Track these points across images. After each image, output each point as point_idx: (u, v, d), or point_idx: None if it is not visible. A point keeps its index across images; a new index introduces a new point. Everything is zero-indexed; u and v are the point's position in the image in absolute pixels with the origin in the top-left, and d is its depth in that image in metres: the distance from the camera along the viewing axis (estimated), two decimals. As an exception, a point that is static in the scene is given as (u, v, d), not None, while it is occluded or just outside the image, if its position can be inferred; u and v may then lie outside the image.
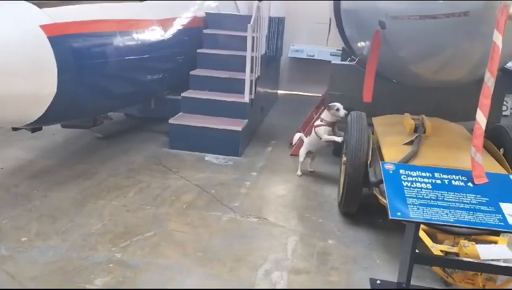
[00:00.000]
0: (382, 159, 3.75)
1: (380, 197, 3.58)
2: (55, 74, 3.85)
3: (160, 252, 3.41)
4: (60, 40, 3.96)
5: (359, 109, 4.39)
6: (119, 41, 4.85)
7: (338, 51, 7.71)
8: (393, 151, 3.75)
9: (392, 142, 3.98)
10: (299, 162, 5.13)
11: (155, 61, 5.58)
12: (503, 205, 2.58)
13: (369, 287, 3.04)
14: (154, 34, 5.58)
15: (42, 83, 3.80)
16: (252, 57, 5.80)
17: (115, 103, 5.34)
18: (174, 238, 3.61)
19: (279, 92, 9.41)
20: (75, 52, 4.17)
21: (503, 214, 2.53)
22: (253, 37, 5.76)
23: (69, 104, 4.18)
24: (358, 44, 5.29)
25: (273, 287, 3.06)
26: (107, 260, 3.24)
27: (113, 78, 4.94)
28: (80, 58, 4.25)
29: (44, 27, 3.83)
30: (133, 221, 3.84)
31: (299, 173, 5.12)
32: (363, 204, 3.95)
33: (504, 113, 5.25)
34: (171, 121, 5.70)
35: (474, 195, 2.65)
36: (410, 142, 3.83)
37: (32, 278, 2.98)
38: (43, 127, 4.74)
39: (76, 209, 3.98)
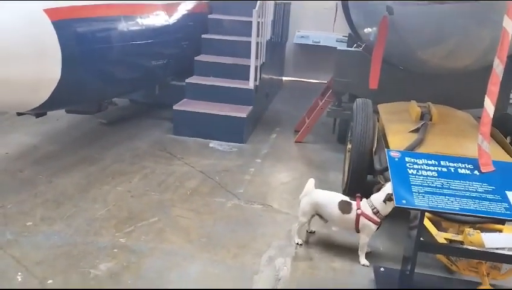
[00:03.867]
0: (387, 146, 3.72)
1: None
2: (59, 59, 3.84)
3: (165, 238, 3.42)
4: (64, 24, 3.93)
5: (365, 96, 4.35)
6: (123, 26, 4.82)
7: (344, 37, 7.64)
8: (398, 139, 3.72)
9: (398, 129, 3.95)
10: (297, 227, 3.49)
11: (159, 46, 5.55)
12: (509, 193, 2.57)
13: (373, 274, 3.05)
14: (159, 19, 5.54)
15: (46, 67, 3.79)
16: (257, 43, 5.74)
17: (119, 88, 5.33)
18: (178, 224, 3.62)
19: (284, 78, 9.36)
20: (79, 37, 4.16)
21: (509, 203, 2.51)
22: (259, 22, 5.70)
23: (74, 89, 4.17)
24: (365, 30, 5.23)
25: (276, 274, 3.07)
26: (112, 245, 3.26)
27: (118, 64, 4.92)
28: (84, 43, 4.23)
29: (48, 11, 3.80)
30: (138, 207, 3.85)
31: (297, 240, 3.45)
32: (367, 191, 3.93)
33: (511, 101, 5.18)
34: (175, 107, 5.68)
35: (481, 183, 2.63)
36: (416, 130, 3.80)
37: (37, 263, 3.00)
38: (48, 113, 4.74)
39: (81, 194, 3.99)
